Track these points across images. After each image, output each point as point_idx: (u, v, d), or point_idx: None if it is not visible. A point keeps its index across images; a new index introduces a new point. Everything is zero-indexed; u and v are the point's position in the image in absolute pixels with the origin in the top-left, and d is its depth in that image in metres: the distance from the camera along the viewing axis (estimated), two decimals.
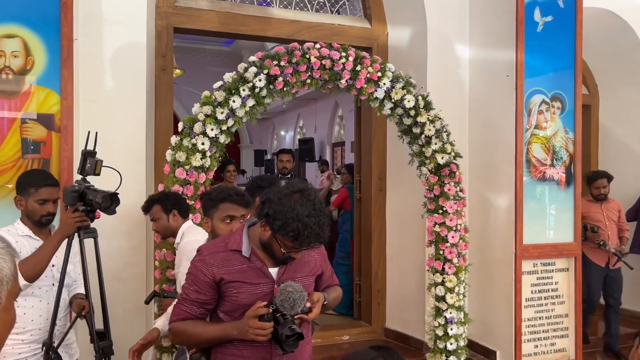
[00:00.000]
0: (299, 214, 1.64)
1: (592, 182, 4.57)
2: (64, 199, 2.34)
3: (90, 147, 2.38)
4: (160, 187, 3.17)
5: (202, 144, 3.11)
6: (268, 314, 1.70)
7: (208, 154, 3.14)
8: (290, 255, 1.74)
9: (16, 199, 2.32)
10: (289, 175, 5.90)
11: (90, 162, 2.36)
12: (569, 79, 3.96)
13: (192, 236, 2.65)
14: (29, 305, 2.25)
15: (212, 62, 13.27)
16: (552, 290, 3.95)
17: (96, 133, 2.43)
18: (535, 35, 3.84)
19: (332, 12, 4.56)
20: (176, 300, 1.89)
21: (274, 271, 1.79)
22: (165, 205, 2.83)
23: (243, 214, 2.26)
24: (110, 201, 2.24)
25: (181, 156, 3.07)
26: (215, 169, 3.26)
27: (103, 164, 2.38)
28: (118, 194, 2.28)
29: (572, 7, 3.93)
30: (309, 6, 4.45)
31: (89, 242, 2.35)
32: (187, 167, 3.08)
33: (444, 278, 3.65)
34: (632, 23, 4.79)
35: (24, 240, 2.28)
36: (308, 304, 1.75)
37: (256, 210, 1.78)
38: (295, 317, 1.71)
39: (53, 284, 2.34)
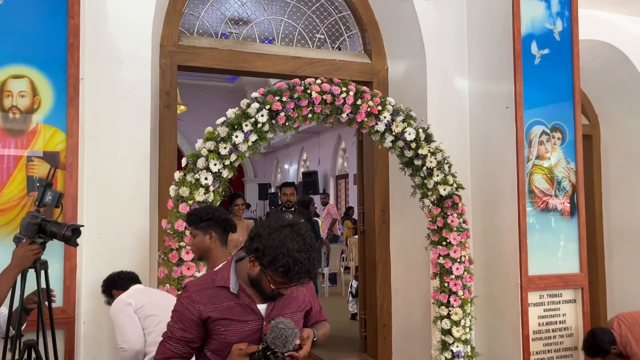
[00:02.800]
0: (290, 249, 1.61)
1: None
2: (25, 232, 2.38)
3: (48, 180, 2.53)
4: (164, 223, 3.18)
5: (205, 178, 3.13)
6: (259, 351, 1.66)
7: (211, 188, 3.17)
8: (280, 291, 1.70)
9: None
10: (293, 209, 5.92)
11: (52, 194, 2.45)
12: (568, 110, 3.99)
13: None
14: None
15: (216, 97, 13.47)
16: (560, 322, 3.89)
17: (56, 167, 2.70)
18: (533, 67, 3.90)
19: (332, 48, 4.65)
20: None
21: (262, 307, 1.75)
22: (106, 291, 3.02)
23: None
24: (77, 233, 2.39)
25: (185, 191, 3.10)
26: (219, 203, 3.29)
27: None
28: (83, 226, 2.48)
29: (568, 40, 4.00)
30: (310, 43, 4.55)
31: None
32: (190, 202, 3.10)
33: (450, 311, 3.61)
34: (628, 54, 4.85)
35: None
36: (298, 341, 1.71)
37: (244, 245, 1.76)
38: (286, 354, 1.68)
39: None
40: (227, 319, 1.71)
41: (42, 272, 2.41)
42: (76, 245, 2.42)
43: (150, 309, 2.76)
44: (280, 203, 6.04)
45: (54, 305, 2.54)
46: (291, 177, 15.14)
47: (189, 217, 2.71)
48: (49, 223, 2.39)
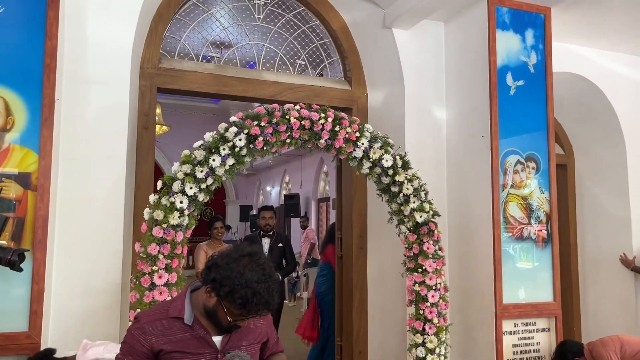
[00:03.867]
0: (248, 279, 1.56)
1: None
2: None
3: None
4: (137, 246, 3.14)
5: (181, 202, 3.11)
6: None
7: (186, 212, 3.14)
8: (237, 323, 1.66)
9: None
10: (271, 232, 5.90)
11: None
12: (542, 140, 4.07)
13: None
14: None
15: (200, 118, 13.48)
16: (534, 351, 3.90)
17: (1, 188, 2.61)
18: (509, 98, 3.98)
19: (313, 74, 4.70)
20: None
21: (217, 340, 1.71)
22: None
23: None
24: (22, 258, 2.38)
25: (159, 214, 3.07)
26: (194, 227, 3.26)
27: None
28: (28, 250, 2.46)
29: (542, 72, 4.10)
30: (291, 69, 4.59)
31: None
32: (164, 225, 3.07)
33: (425, 339, 3.59)
34: (601, 87, 4.98)
35: None
36: None
37: (200, 274, 1.73)
38: None
39: None
40: (181, 352, 1.66)
41: None
42: (20, 270, 2.38)
43: None
44: (259, 227, 6.01)
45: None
46: (273, 200, 15.10)
47: None
48: None
